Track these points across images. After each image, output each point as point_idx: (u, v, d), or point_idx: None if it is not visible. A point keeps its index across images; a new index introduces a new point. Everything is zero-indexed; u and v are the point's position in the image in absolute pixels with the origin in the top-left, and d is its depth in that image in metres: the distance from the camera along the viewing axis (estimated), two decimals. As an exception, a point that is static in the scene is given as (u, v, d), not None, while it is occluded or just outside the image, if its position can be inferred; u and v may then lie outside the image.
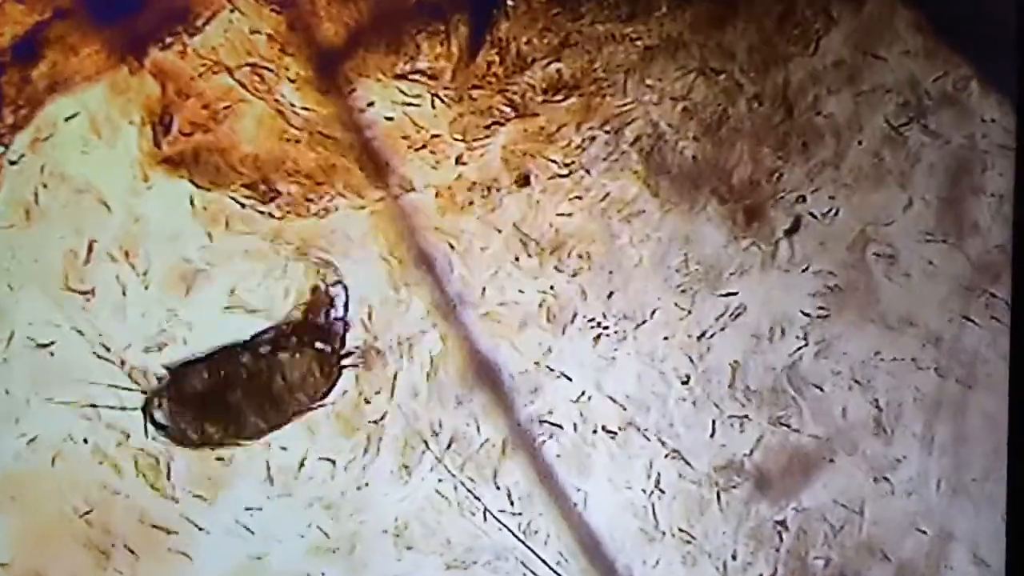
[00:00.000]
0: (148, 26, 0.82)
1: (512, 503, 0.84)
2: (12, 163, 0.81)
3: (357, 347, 0.84)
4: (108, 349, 0.82)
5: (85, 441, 0.81)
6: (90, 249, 0.82)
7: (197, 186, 0.82)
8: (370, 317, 0.84)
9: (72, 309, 0.81)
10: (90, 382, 0.81)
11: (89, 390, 0.81)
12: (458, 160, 0.85)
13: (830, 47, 0.85)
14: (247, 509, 0.82)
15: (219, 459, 0.82)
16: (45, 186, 0.81)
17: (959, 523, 0.87)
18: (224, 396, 0.82)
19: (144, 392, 0.82)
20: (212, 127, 0.82)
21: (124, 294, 0.82)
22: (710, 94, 0.85)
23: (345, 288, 0.83)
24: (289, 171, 0.83)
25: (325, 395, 0.83)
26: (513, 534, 0.83)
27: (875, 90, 0.86)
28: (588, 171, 0.84)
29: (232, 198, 0.83)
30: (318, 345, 0.83)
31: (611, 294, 0.85)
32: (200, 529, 0.81)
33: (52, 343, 0.81)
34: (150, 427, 0.81)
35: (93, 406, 0.81)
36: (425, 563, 0.83)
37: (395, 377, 0.84)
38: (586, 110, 0.84)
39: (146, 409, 0.81)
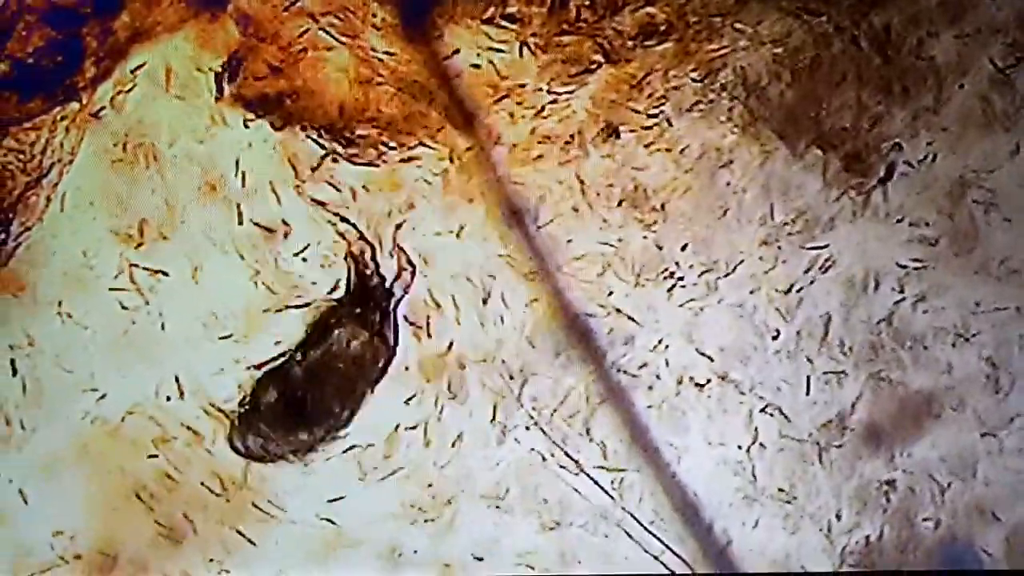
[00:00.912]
0: None
1: (606, 458, 0.82)
2: (94, 115, 0.80)
3: (404, 296, 0.82)
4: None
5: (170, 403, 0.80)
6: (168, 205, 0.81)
7: (276, 128, 0.82)
8: (453, 271, 0.82)
9: (147, 272, 0.81)
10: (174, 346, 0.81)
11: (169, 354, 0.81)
12: (543, 110, 0.83)
13: None
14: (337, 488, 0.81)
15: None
16: (126, 138, 0.81)
17: None
18: (300, 400, 0.82)
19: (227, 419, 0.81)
20: (293, 72, 0.82)
21: (216, 244, 0.82)
22: (807, 38, 0.83)
23: (372, 247, 0.82)
24: (372, 118, 0.82)
25: (391, 355, 0.82)
26: (605, 492, 0.81)
27: (981, 30, 0.83)
28: (671, 122, 0.83)
29: (313, 140, 0.81)
30: (367, 308, 0.82)
31: (685, 246, 0.83)
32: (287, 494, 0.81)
33: (134, 308, 0.81)
34: (241, 456, 0.81)
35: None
36: (523, 522, 0.82)
37: (460, 331, 0.82)
38: (680, 56, 0.83)
39: (232, 443, 0.81)
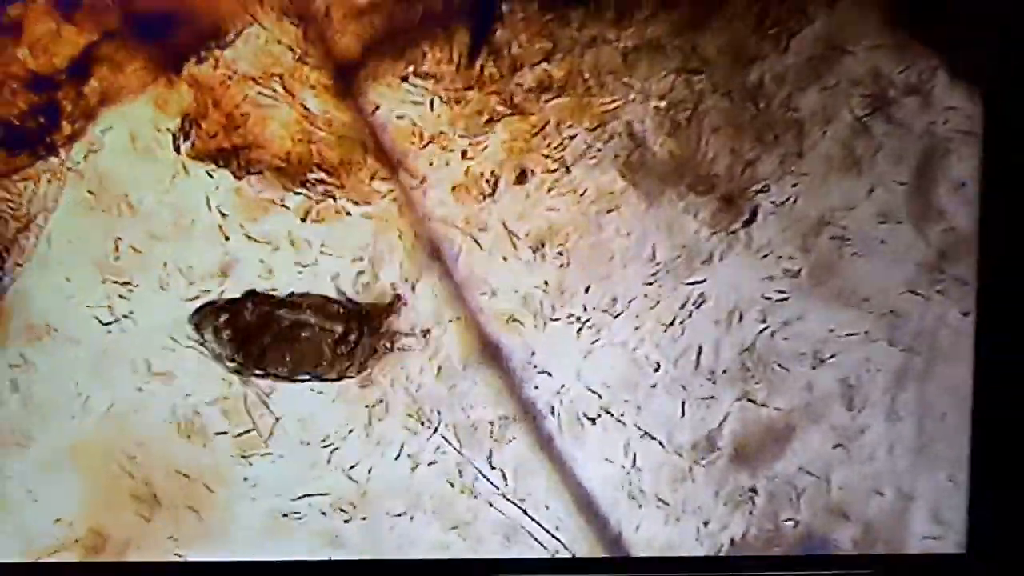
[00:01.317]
0: (185, 43, 0.92)
1: (508, 477, 0.95)
2: (70, 169, 0.93)
3: (405, 332, 0.94)
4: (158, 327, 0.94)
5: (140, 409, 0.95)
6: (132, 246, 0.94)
7: (237, 177, 0.93)
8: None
9: (120, 293, 0.94)
10: (144, 358, 0.95)
11: (143, 366, 0.95)
12: (463, 155, 0.94)
13: (803, 44, 0.91)
14: (272, 459, 0.94)
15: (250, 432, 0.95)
16: (98, 187, 0.93)
17: (920, 486, 0.94)
18: (264, 335, 0.93)
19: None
20: (243, 128, 0.93)
21: (164, 284, 0.94)
22: (688, 94, 0.91)
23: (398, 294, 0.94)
24: (318, 164, 0.93)
25: (354, 369, 0.94)
26: (515, 504, 0.94)
27: (840, 83, 0.91)
28: (570, 168, 0.92)
29: (268, 185, 0.93)
30: (359, 328, 0.93)
31: (588, 287, 0.94)
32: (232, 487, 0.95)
33: (110, 322, 0.94)
34: (194, 332, 0.94)
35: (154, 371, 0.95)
36: (438, 521, 0.95)
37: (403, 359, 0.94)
38: (574, 109, 0.92)
39: (200, 313, 0.93)
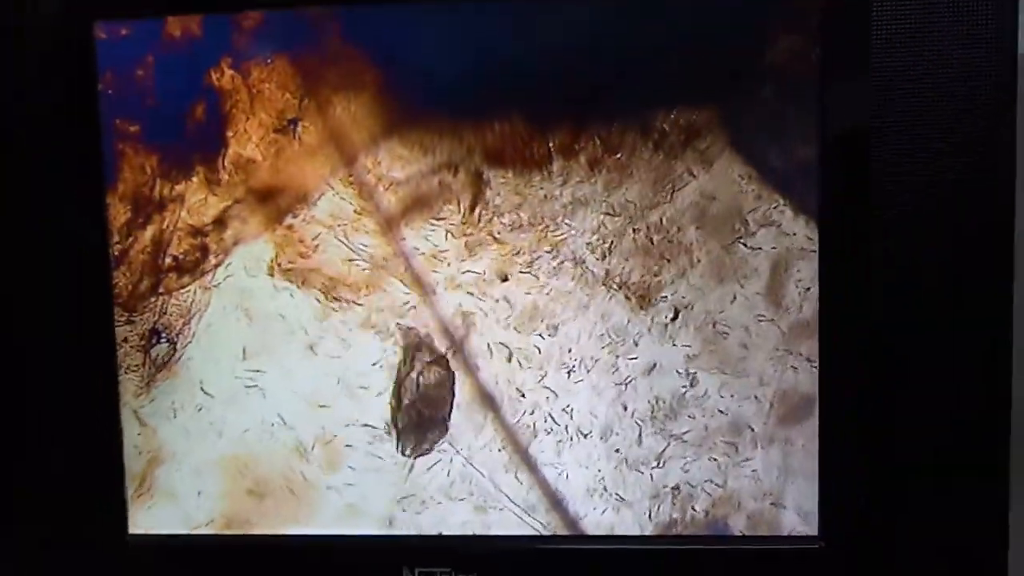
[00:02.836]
0: (286, 205, 1.32)
1: (516, 477, 1.27)
2: (215, 286, 1.21)
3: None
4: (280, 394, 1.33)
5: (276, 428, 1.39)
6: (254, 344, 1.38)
7: (300, 289, 1.33)
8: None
9: (252, 367, 1.39)
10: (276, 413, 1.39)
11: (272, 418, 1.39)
12: (464, 268, 1.33)
13: (686, 195, 1.12)
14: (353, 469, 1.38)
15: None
16: (232, 298, 1.33)
17: (787, 491, 1.16)
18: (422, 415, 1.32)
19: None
20: (313, 258, 1.34)
21: (275, 358, 1.37)
22: (609, 230, 1.14)
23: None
24: (352, 284, 1.31)
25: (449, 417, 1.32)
26: (509, 498, 1.30)
27: (714, 220, 1.12)
28: (538, 277, 1.29)
29: (317, 300, 1.36)
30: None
31: (570, 348, 1.26)
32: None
33: (247, 387, 1.39)
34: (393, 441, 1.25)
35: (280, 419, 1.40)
36: (461, 508, 1.27)
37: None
38: (539, 240, 1.17)
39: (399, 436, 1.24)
